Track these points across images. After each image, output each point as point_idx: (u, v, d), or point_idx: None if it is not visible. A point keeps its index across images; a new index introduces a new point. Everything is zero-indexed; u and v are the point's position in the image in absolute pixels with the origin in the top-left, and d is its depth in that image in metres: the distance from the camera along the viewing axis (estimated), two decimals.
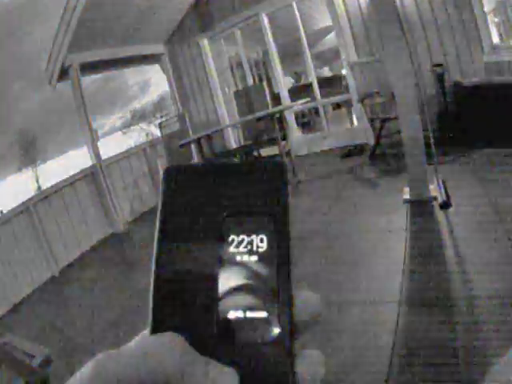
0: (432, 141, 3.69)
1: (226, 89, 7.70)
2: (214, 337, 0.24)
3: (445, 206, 3.43)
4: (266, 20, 6.90)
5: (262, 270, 0.25)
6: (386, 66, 4.00)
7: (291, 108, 6.68)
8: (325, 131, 7.04)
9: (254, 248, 0.25)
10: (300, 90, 8.41)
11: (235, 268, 0.25)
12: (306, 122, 9.68)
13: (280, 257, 0.25)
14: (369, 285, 2.79)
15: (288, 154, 5.66)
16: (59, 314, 4.07)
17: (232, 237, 0.25)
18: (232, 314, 0.24)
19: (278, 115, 5.55)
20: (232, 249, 0.25)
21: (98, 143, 6.29)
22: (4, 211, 5.47)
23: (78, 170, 6.26)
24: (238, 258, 0.25)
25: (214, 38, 7.47)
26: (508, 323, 1.98)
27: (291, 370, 0.23)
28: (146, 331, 0.24)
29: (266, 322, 0.24)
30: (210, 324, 0.24)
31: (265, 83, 6.56)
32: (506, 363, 0.54)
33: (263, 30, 6.93)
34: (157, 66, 8.04)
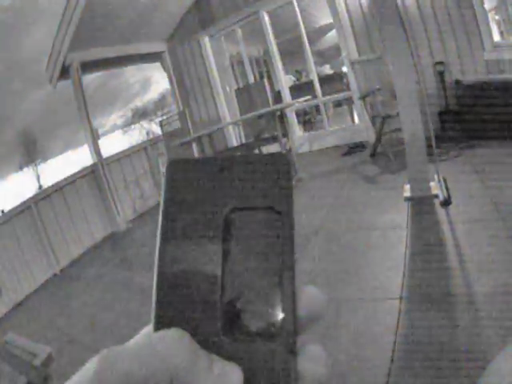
0: (433, 138, 3.69)
1: (227, 87, 7.69)
2: (217, 333, 0.24)
3: (445, 203, 3.43)
4: (266, 18, 6.89)
5: (265, 264, 0.25)
6: (386, 64, 4.00)
7: (292, 106, 6.67)
8: (326, 129, 7.03)
9: (257, 242, 0.25)
10: (301, 88, 8.39)
11: (239, 263, 0.25)
12: (307, 119, 9.66)
13: (283, 251, 0.25)
14: (370, 282, 2.79)
15: (289, 151, 5.65)
16: (60, 313, 4.07)
17: (235, 231, 0.25)
18: (235, 310, 0.24)
19: (278, 113, 5.55)
20: (235, 243, 0.25)
21: (99, 141, 6.29)
22: (5, 210, 5.48)
23: (78, 169, 6.27)
24: (242, 252, 0.25)
25: (214, 36, 7.46)
26: (510, 320, 1.98)
27: (294, 365, 0.23)
28: (149, 327, 0.24)
29: (269, 317, 0.24)
30: (213, 320, 0.24)
31: (266, 81, 6.55)
32: (493, 372, 0.53)
33: (264, 28, 6.92)
34: (158, 64, 8.03)
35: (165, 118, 7.94)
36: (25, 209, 5.24)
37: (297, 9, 6.62)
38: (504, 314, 2.05)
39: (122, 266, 4.77)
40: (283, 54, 7.35)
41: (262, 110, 5.61)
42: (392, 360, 1.98)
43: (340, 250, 3.43)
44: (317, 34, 10.54)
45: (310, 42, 6.99)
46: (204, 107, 7.77)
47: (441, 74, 5.40)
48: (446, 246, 3.03)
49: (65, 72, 5.98)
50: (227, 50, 7.82)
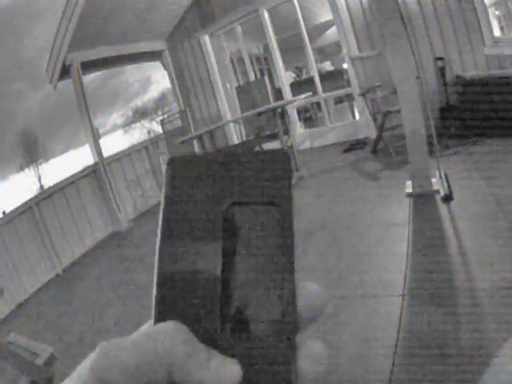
0: (434, 134, 3.68)
1: (228, 84, 7.69)
2: (216, 329, 0.24)
3: (447, 199, 3.43)
4: (266, 15, 6.88)
5: (265, 260, 0.24)
6: (387, 60, 3.99)
7: (293, 103, 6.67)
8: (327, 126, 7.02)
9: (257, 238, 0.25)
10: (301, 85, 8.38)
11: (238, 259, 0.24)
12: (308, 116, 9.66)
13: (284, 247, 0.24)
14: (371, 278, 2.79)
15: (290, 148, 5.65)
16: (63, 313, 4.08)
17: (235, 227, 0.25)
18: (235, 307, 0.24)
19: (279, 110, 5.54)
20: (235, 239, 0.25)
21: (100, 141, 6.29)
22: (7, 211, 5.49)
23: (80, 169, 6.27)
24: (242, 249, 0.25)
25: (214, 34, 7.46)
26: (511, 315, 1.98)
27: (293, 361, 0.23)
28: (150, 323, 0.24)
29: (268, 314, 0.24)
30: (213, 316, 0.24)
31: (266, 78, 6.54)
32: (493, 371, 0.53)
33: (264, 25, 6.91)
34: (158, 63, 8.03)
35: (166, 116, 7.94)
36: (26, 209, 5.25)
37: (297, 5, 6.61)
38: (506, 309, 2.05)
39: (124, 265, 4.77)
40: (283, 51, 7.33)
41: (263, 108, 5.60)
42: (394, 354, 1.98)
43: (341, 247, 3.43)
44: (317, 30, 10.51)
45: (311, 39, 6.98)
46: (205, 105, 7.77)
47: (441, 70, 5.39)
48: (448, 241, 3.03)
49: (65, 72, 5.98)
50: (227, 47, 7.81)
